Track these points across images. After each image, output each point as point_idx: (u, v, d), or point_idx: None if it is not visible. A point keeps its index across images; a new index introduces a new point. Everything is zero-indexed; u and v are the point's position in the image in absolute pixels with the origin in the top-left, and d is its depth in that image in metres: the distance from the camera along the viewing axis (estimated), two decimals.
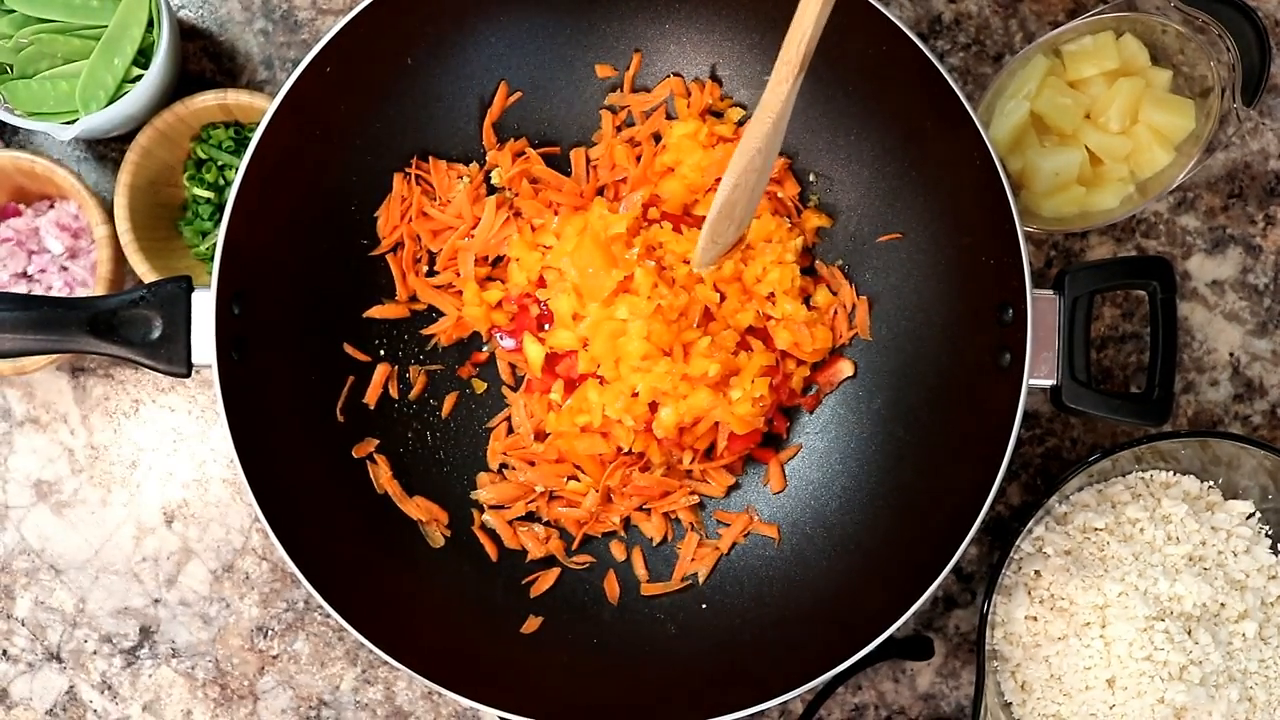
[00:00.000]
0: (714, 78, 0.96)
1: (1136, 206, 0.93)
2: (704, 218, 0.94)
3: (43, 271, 0.97)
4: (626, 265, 0.88)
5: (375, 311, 0.94)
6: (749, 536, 0.94)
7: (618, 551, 0.95)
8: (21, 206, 0.98)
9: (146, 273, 0.94)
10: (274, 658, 1.00)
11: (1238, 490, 0.95)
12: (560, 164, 0.97)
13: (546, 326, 0.92)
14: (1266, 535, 0.93)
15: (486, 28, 0.93)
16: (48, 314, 0.80)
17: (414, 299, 0.95)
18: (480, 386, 0.97)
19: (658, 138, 0.96)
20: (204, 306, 0.82)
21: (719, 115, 0.96)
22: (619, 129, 0.97)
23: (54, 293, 0.95)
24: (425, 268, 0.96)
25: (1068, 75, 0.94)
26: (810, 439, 0.96)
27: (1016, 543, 0.90)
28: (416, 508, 0.92)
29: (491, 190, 0.96)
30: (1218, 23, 0.88)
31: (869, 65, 0.88)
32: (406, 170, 0.94)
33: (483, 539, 0.93)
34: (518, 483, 0.94)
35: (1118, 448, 0.90)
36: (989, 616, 0.89)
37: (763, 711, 0.82)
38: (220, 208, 0.99)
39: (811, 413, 0.96)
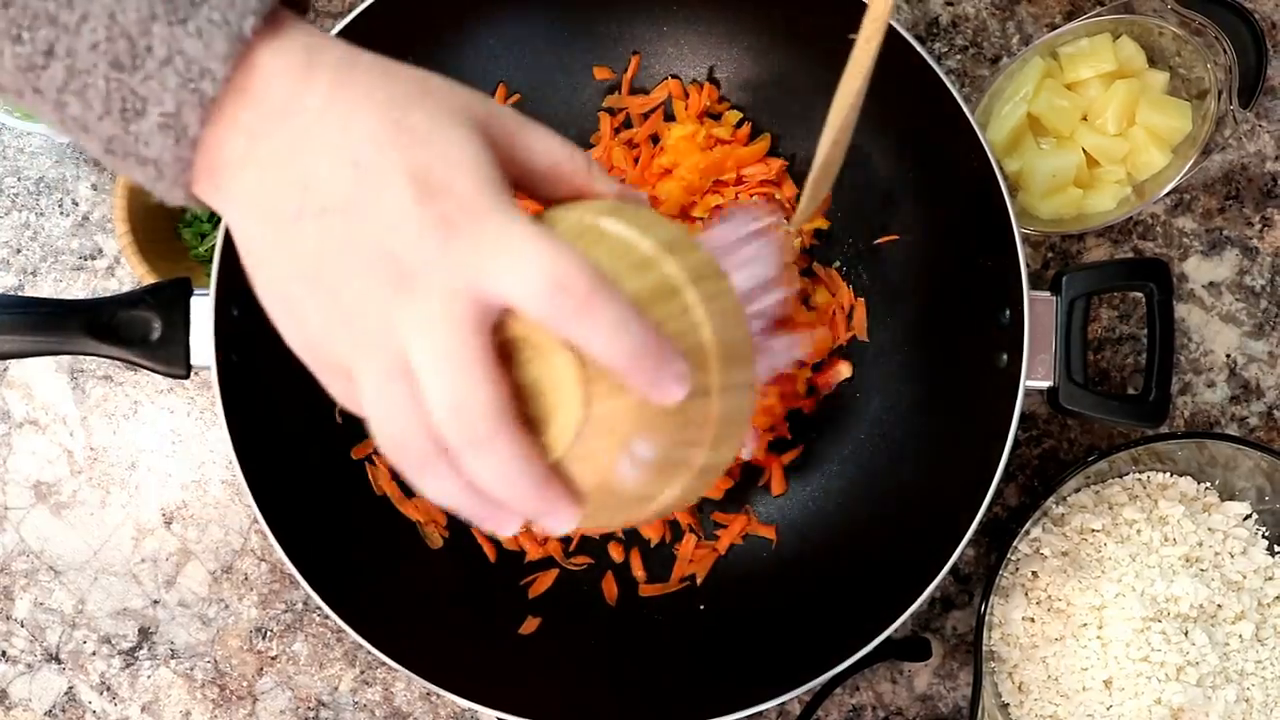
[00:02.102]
0: (712, 80, 0.96)
1: (1133, 208, 0.94)
2: (702, 219, 0.95)
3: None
4: None
5: None
6: (747, 537, 0.94)
7: (615, 553, 0.95)
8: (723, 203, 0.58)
9: (145, 275, 0.94)
10: (273, 658, 1.00)
11: (1234, 491, 0.95)
12: None
13: None
14: (1263, 536, 0.93)
15: (485, 30, 0.93)
16: (46, 315, 0.80)
17: None
18: None
19: (655, 139, 0.96)
20: (203, 308, 0.82)
21: (716, 117, 0.97)
22: (617, 131, 0.97)
23: None
24: None
25: (1065, 77, 0.94)
26: (808, 440, 0.96)
27: (1014, 544, 0.90)
28: (415, 509, 0.92)
29: None
30: (1214, 25, 0.88)
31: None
32: None
33: (481, 540, 0.93)
34: None
35: (1115, 449, 0.90)
36: (986, 618, 0.89)
37: (761, 711, 0.82)
38: None
39: (810, 414, 0.96)
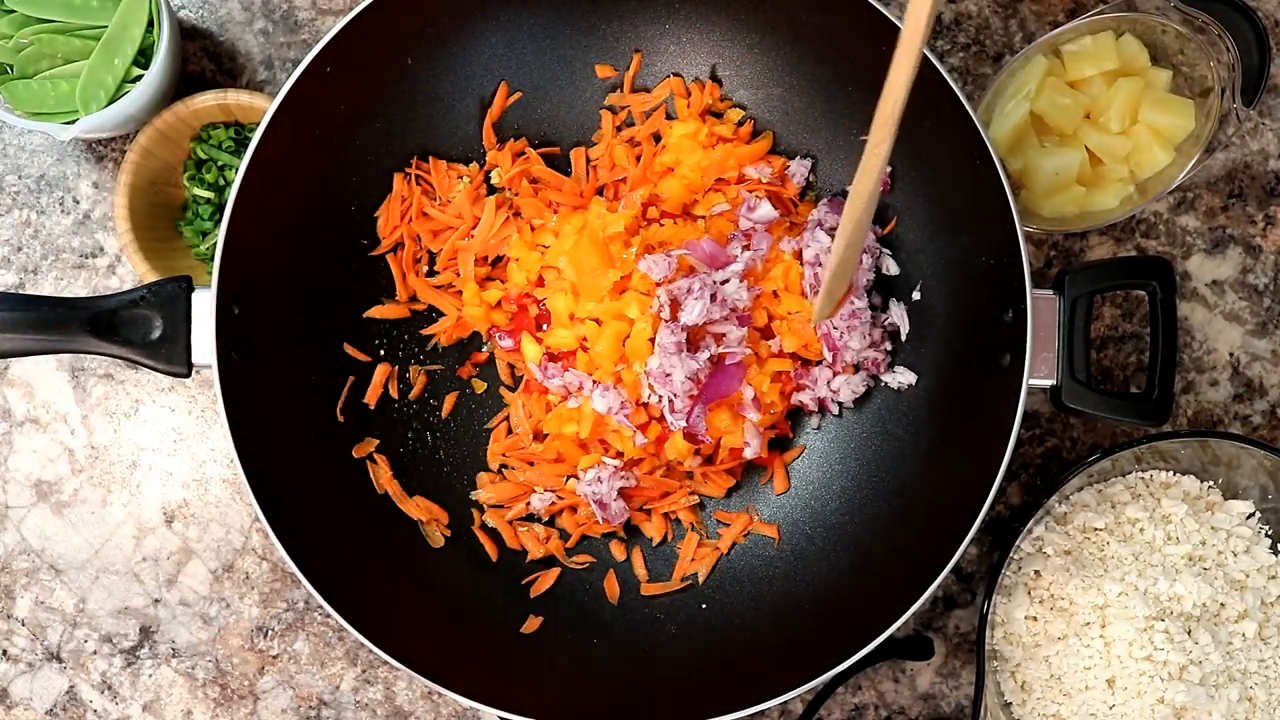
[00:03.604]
0: (714, 78, 0.96)
1: (1136, 206, 0.93)
2: (703, 216, 0.95)
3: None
4: (624, 265, 0.88)
5: (375, 311, 0.94)
6: (749, 536, 0.94)
7: (618, 551, 0.95)
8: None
9: (147, 273, 0.94)
10: (274, 658, 1.00)
11: (1237, 490, 0.95)
12: (560, 164, 0.97)
13: (545, 326, 0.92)
14: (1266, 535, 0.93)
15: (486, 28, 0.93)
16: (48, 314, 0.80)
17: (414, 299, 0.95)
18: (480, 386, 0.97)
19: (657, 138, 0.96)
20: (204, 306, 0.82)
21: (718, 115, 0.96)
22: (619, 129, 0.97)
23: None
24: (425, 268, 0.96)
25: (1067, 75, 0.94)
26: (810, 439, 0.96)
27: (1016, 543, 0.90)
28: (416, 508, 0.92)
29: (491, 190, 0.96)
30: (1217, 23, 0.88)
31: (870, 65, 0.87)
32: (406, 170, 0.94)
33: (483, 539, 0.93)
34: (518, 483, 0.94)
35: (1118, 448, 0.90)
36: (989, 616, 0.89)
37: (763, 711, 0.82)
38: (220, 208, 0.99)
39: (811, 414, 0.96)
